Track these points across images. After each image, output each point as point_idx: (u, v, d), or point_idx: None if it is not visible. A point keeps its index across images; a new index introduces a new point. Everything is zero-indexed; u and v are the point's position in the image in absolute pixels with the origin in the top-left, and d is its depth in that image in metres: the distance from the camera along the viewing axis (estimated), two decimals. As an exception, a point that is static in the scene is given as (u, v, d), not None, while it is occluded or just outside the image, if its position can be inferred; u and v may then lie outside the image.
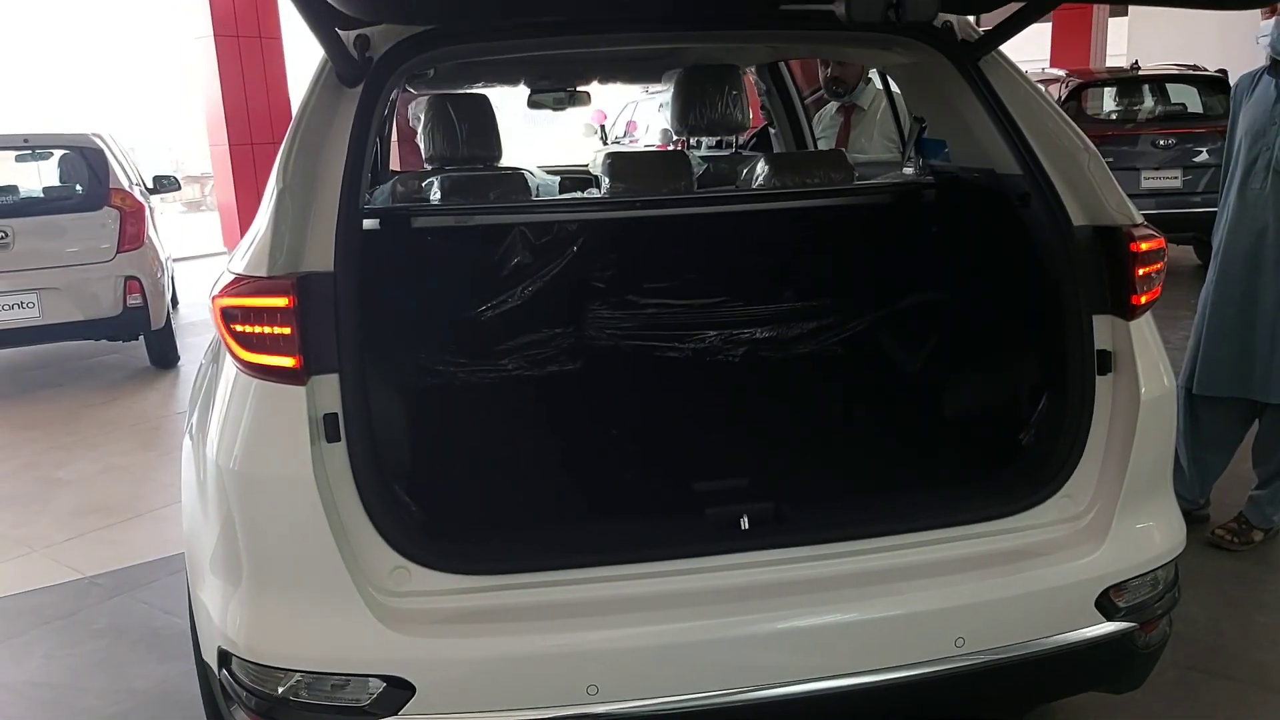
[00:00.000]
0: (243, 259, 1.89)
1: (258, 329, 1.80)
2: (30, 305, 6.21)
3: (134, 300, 6.39)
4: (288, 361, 1.79)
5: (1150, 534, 2.04)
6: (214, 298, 1.88)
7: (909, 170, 2.85)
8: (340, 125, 1.98)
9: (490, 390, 2.68)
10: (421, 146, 3.28)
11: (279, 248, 1.84)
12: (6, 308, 6.18)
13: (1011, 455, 2.21)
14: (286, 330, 1.79)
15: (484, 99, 3.23)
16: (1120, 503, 1.99)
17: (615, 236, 2.83)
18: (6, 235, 6.16)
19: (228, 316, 1.83)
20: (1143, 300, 2.06)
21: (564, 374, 2.75)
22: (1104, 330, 2.05)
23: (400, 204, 2.85)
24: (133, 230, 6.48)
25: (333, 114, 1.99)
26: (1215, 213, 3.50)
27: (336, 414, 1.81)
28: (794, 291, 2.89)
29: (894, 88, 3.60)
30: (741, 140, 4.25)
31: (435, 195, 2.70)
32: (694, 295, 2.85)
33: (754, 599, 1.83)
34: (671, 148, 4.05)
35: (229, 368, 1.88)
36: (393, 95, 3.86)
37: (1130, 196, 2.15)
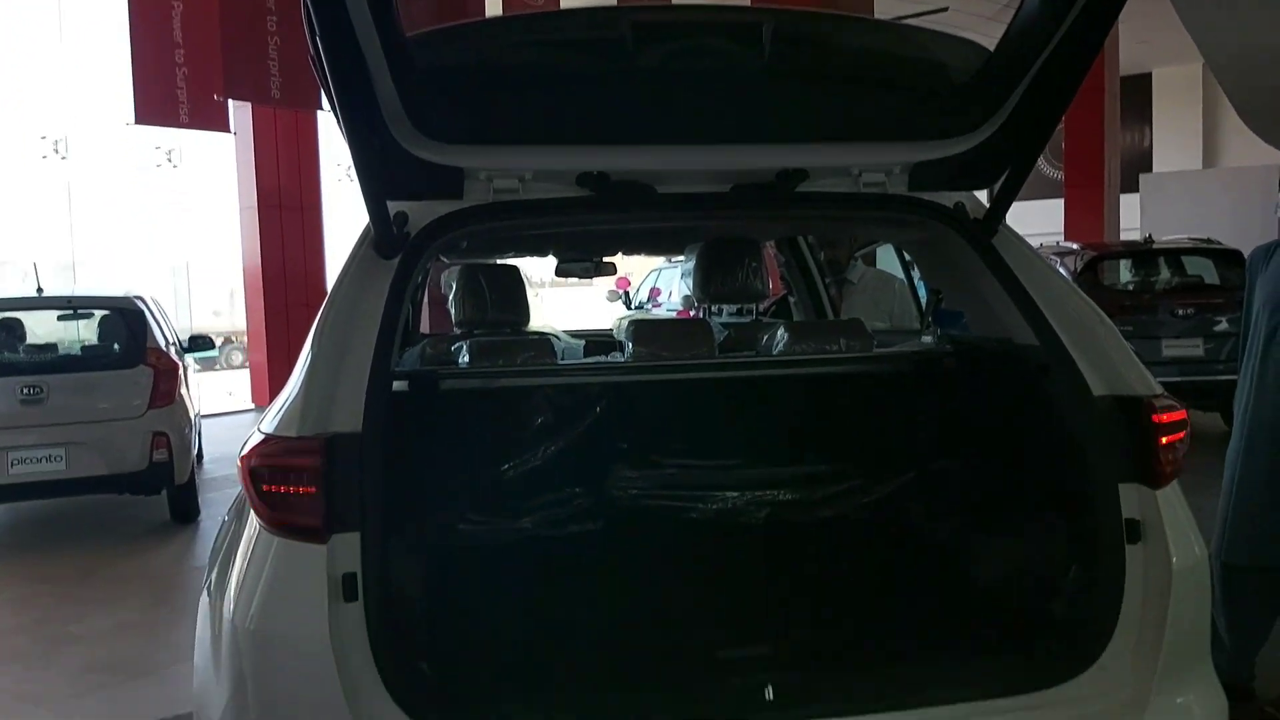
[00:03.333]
0: (274, 420, 1.94)
1: (283, 489, 1.83)
2: (57, 459, 6.28)
3: (160, 455, 6.44)
4: (310, 520, 1.81)
5: (1190, 709, 1.96)
6: (242, 457, 1.92)
7: (928, 339, 2.91)
8: (375, 295, 2.06)
9: (512, 549, 2.66)
10: (451, 312, 3.39)
11: (309, 409, 1.89)
12: (34, 460, 6.24)
13: (1044, 626, 2.16)
14: (312, 489, 1.82)
15: (514, 269, 3.35)
16: (1158, 675, 1.93)
17: (638, 399, 2.87)
18: (41, 390, 6.30)
19: (255, 476, 1.87)
20: (1168, 469, 2.06)
21: (585, 534, 2.73)
22: (1131, 499, 2.04)
23: (429, 366, 2.92)
24: (165, 387, 6.61)
25: (369, 284, 2.08)
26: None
27: (355, 574, 1.81)
28: (816, 455, 2.89)
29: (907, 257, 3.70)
30: (762, 308, 4.35)
31: (464, 359, 2.77)
32: (716, 457, 2.86)
33: None
34: (693, 314, 4.15)
35: (252, 524, 1.90)
36: (429, 264, 4.01)
37: (1152, 365, 2.18)
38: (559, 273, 4.51)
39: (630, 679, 2.12)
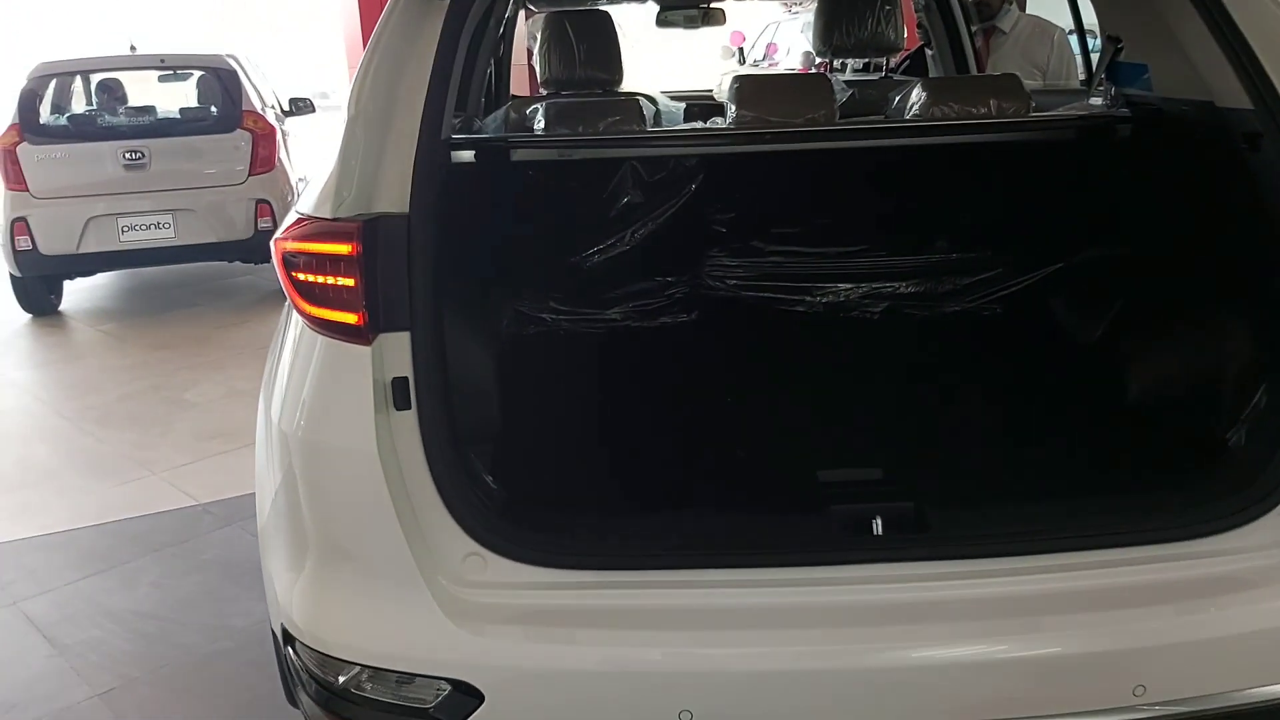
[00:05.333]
0: (310, 197, 1.67)
1: (320, 279, 1.59)
2: (166, 225, 6.30)
3: (265, 223, 6.38)
4: (350, 317, 1.58)
5: None
6: (276, 240, 1.67)
7: (1097, 100, 2.40)
8: (425, 42, 1.70)
9: (594, 343, 2.39)
10: (536, 70, 3.00)
11: (346, 186, 1.61)
12: (144, 227, 6.27)
13: (1215, 457, 1.81)
14: (350, 281, 1.57)
15: (605, 16, 2.91)
16: None
17: (740, 173, 2.47)
18: (144, 156, 6.23)
19: (289, 263, 1.62)
20: None
21: (676, 327, 2.44)
22: None
23: (496, 134, 2.58)
24: (264, 154, 6.48)
25: (418, 29, 1.71)
26: None
27: (407, 378, 1.58)
28: (947, 241, 2.48)
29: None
30: (893, 64, 3.81)
31: (539, 124, 2.42)
32: (828, 242, 2.48)
33: (886, 623, 1.53)
34: (813, 71, 3.64)
35: (296, 319, 1.68)
36: (508, 12, 3.58)
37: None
38: (660, 22, 4.00)
39: (717, 502, 1.87)
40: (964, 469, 1.96)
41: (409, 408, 1.58)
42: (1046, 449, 2.03)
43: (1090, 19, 2.87)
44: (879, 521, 1.66)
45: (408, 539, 1.56)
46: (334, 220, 1.58)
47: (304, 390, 1.62)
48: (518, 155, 2.38)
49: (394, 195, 1.61)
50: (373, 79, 1.68)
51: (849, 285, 2.44)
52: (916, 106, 2.39)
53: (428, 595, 1.55)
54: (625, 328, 2.42)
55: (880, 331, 2.42)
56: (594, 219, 2.43)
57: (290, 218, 1.69)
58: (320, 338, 1.61)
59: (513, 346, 2.24)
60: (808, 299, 2.43)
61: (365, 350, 1.57)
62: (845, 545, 1.65)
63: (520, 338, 2.30)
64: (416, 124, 1.64)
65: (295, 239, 1.61)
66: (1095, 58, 2.93)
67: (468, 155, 2.25)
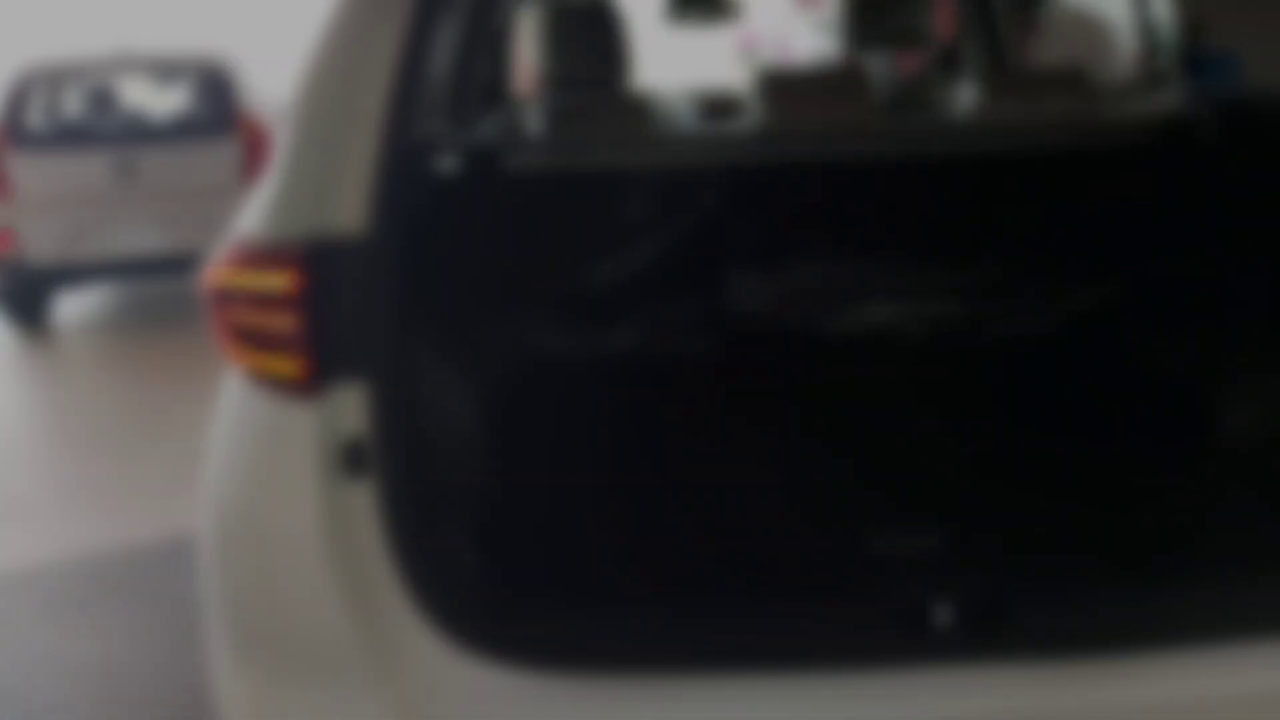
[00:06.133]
0: (246, 215, 1.37)
1: (253, 318, 1.29)
2: (156, 234, 6.05)
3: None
4: (289, 366, 1.28)
5: None
6: (207, 272, 1.37)
7: (1173, 96, 2.07)
8: (394, 20, 1.39)
9: (588, 393, 2.01)
10: (534, 65, 2.71)
11: (291, 199, 1.31)
12: (131, 236, 6.03)
13: None
14: (288, 321, 1.27)
15: (606, 4, 2.61)
16: None
17: (767, 181, 2.15)
18: (133, 162, 5.99)
19: (220, 300, 1.33)
20: None
21: (694, 361, 2.09)
22: None
23: (485, 139, 2.26)
24: (260, 158, 6.22)
25: (384, 2, 1.40)
26: None
27: (363, 439, 1.28)
28: (1012, 259, 2.11)
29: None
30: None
31: (536, 127, 2.11)
32: (864, 257, 2.14)
33: None
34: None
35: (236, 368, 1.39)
36: None
37: None
38: (671, 20, 3.69)
39: (736, 584, 1.52)
40: (1051, 535, 1.59)
41: (367, 475, 1.28)
42: (1151, 507, 1.65)
43: None
44: (942, 611, 1.33)
45: (363, 644, 1.27)
46: (271, 243, 1.29)
47: (232, 457, 1.33)
48: (506, 162, 2.06)
49: (350, 209, 1.31)
50: (327, 65, 1.38)
51: (897, 309, 2.08)
52: (973, 105, 2.06)
53: (390, 716, 1.27)
54: (633, 364, 2.07)
55: (931, 359, 2.06)
56: (597, 236, 2.10)
57: (224, 241, 1.39)
58: (252, 393, 1.32)
59: (503, 395, 1.89)
60: (846, 323, 2.08)
61: (309, 407, 1.27)
62: (893, 642, 1.32)
63: (513, 382, 1.94)
64: (380, 121, 1.34)
65: (224, 266, 1.32)
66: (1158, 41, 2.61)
67: (452, 162, 1.94)
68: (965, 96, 2.08)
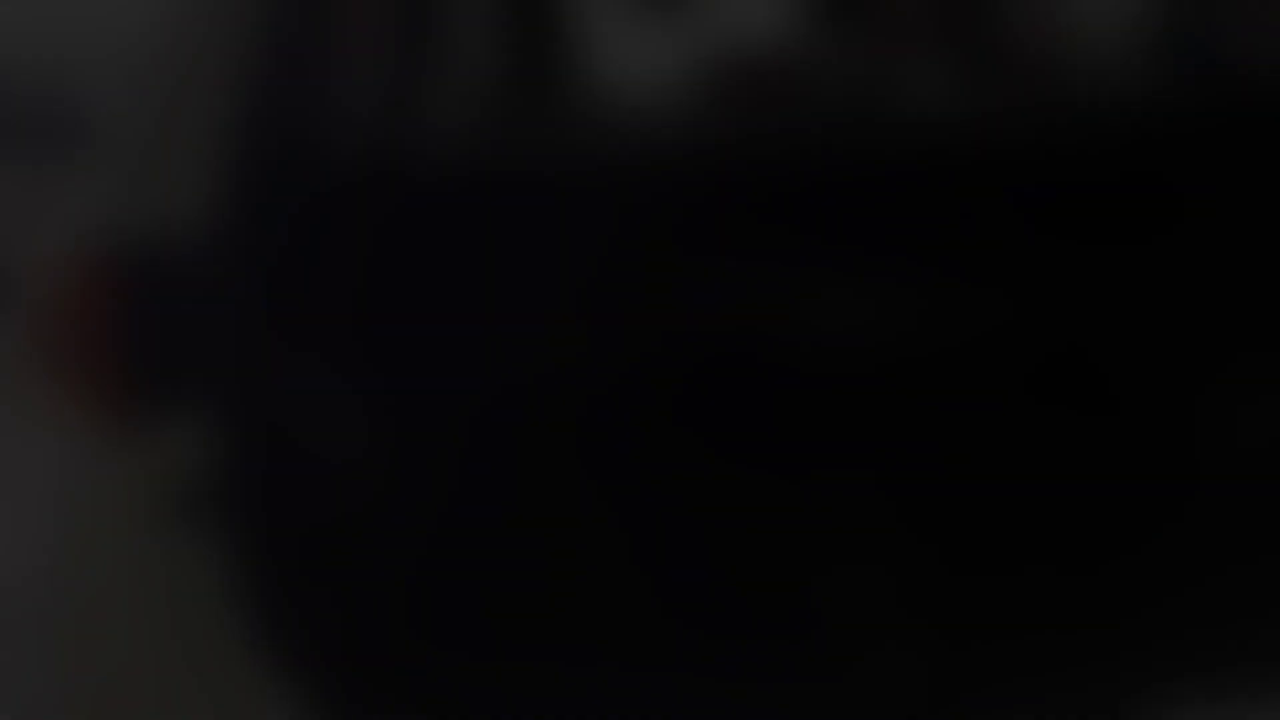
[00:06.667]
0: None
1: (63, 329, 1.12)
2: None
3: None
4: (105, 389, 1.09)
5: None
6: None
7: (1145, 78, 1.84)
8: None
9: (488, 421, 1.72)
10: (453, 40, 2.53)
11: (111, 178, 1.16)
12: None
13: None
14: (103, 336, 1.08)
15: None
16: None
17: (713, 167, 1.90)
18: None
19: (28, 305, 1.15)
20: None
21: (616, 396, 1.77)
22: None
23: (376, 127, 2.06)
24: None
25: None
26: None
27: (203, 477, 1.09)
28: (942, 272, 1.85)
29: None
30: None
31: (440, 117, 1.89)
32: (807, 262, 1.89)
33: None
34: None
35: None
36: None
37: None
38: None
39: (668, 664, 1.29)
40: (1044, 645, 1.29)
41: (203, 524, 1.09)
42: (1124, 573, 1.34)
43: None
44: (911, 690, 1.12)
45: None
46: (78, 238, 1.11)
47: (30, 505, 1.15)
48: (402, 162, 1.86)
49: (192, 191, 1.14)
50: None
51: (837, 328, 1.81)
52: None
53: None
54: (541, 404, 1.81)
55: (889, 393, 1.77)
56: (507, 245, 1.87)
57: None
58: (49, 431, 1.14)
59: (383, 426, 1.64)
60: (796, 338, 1.81)
61: (130, 442, 1.09)
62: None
63: (396, 414, 1.70)
64: (242, 84, 1.16)
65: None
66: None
67: (335, 152, 1.75)
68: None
